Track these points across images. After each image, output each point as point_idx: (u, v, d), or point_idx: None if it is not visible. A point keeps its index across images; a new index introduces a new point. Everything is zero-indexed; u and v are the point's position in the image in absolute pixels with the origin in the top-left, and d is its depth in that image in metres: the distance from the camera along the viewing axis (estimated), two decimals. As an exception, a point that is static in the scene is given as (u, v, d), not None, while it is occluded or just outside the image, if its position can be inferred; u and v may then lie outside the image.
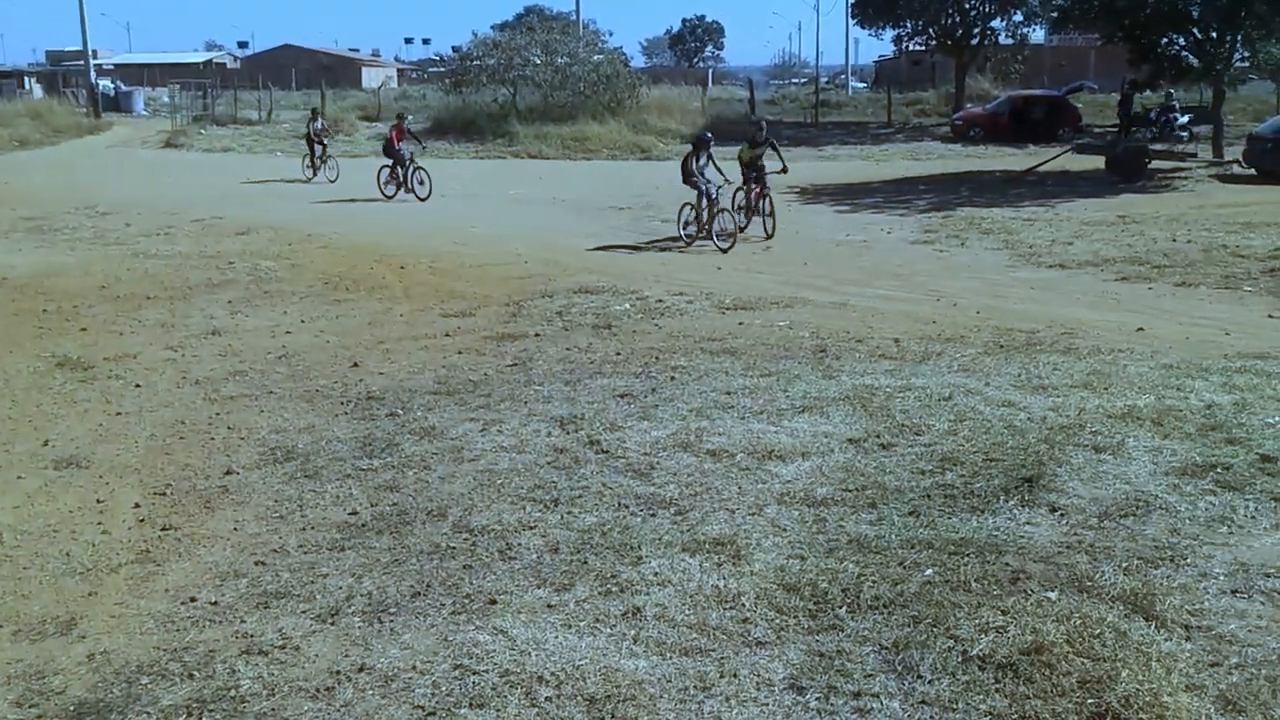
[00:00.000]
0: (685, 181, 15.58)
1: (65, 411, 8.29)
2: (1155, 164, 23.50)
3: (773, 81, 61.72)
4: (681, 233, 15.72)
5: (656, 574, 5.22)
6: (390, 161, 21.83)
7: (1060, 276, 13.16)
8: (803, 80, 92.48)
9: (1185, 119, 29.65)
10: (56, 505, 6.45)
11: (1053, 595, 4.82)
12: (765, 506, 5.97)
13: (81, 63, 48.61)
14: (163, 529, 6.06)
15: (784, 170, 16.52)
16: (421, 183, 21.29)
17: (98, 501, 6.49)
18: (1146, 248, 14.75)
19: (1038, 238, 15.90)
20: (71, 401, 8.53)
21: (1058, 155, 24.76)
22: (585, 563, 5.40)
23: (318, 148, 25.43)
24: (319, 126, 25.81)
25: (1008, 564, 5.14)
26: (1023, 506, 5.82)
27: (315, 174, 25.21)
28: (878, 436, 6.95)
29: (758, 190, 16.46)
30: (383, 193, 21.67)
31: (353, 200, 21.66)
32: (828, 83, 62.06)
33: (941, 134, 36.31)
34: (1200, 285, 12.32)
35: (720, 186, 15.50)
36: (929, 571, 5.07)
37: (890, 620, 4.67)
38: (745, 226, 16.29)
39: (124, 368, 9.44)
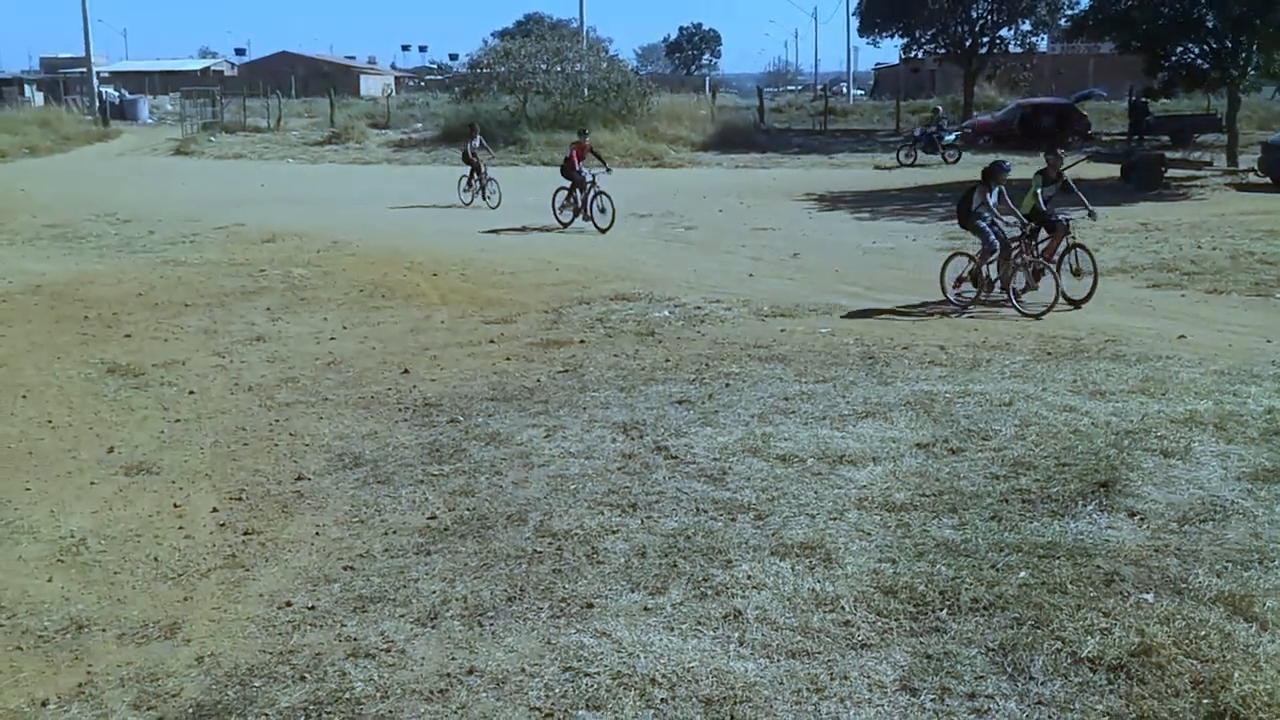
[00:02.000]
0: (964, 225, 12.08)
1: (124, 419, 8.33)
2: (1171, 172, 23.61)
3: (768, 89, 61.95)
4: (950, 294, 11.69)
5: (750, 577, 5.27)
6: (568, 184, 18.42)
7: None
8: (798, 88, 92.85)
9: (952, 136, 30.14)
10: (134, 510, 6.50)
11: (1149, 597, 4.88)
12: (845, 511, 6.03)
13: (79, 70, 48.72)
14: (245, 534, 6.12)
15: (1091, 216, 12.37)
16: (603, 210, 17.79)
17: (174, 506, 6.55)
18: (1173, 255, 14.84)
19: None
20: (129, 408, 8.57)
21: (1074, 164, 24.82)
22: (675, 566, 5.45)
23: (476, 168, 21.56)
24: (478, 144, 21.91)
25: (1099, 566, 5.20)
26: (1101, 511, 5.89)
27: (474, 198, 21.50)
28: (946, 442, 7.02)
29: (1051, 241, 12.02)
30: (558, 219, 18.51)
31: (523, 229, 18.51)
32: (822, 90, 62.18)
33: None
34: (1232, 293, 12.40)
35: (1013, 231, 11.66)
36: (1023, 574, 5.14)
37: (992, 622, 4.73)
38: (1028, 288, 11.80)
39: (175, 374, 9.49)
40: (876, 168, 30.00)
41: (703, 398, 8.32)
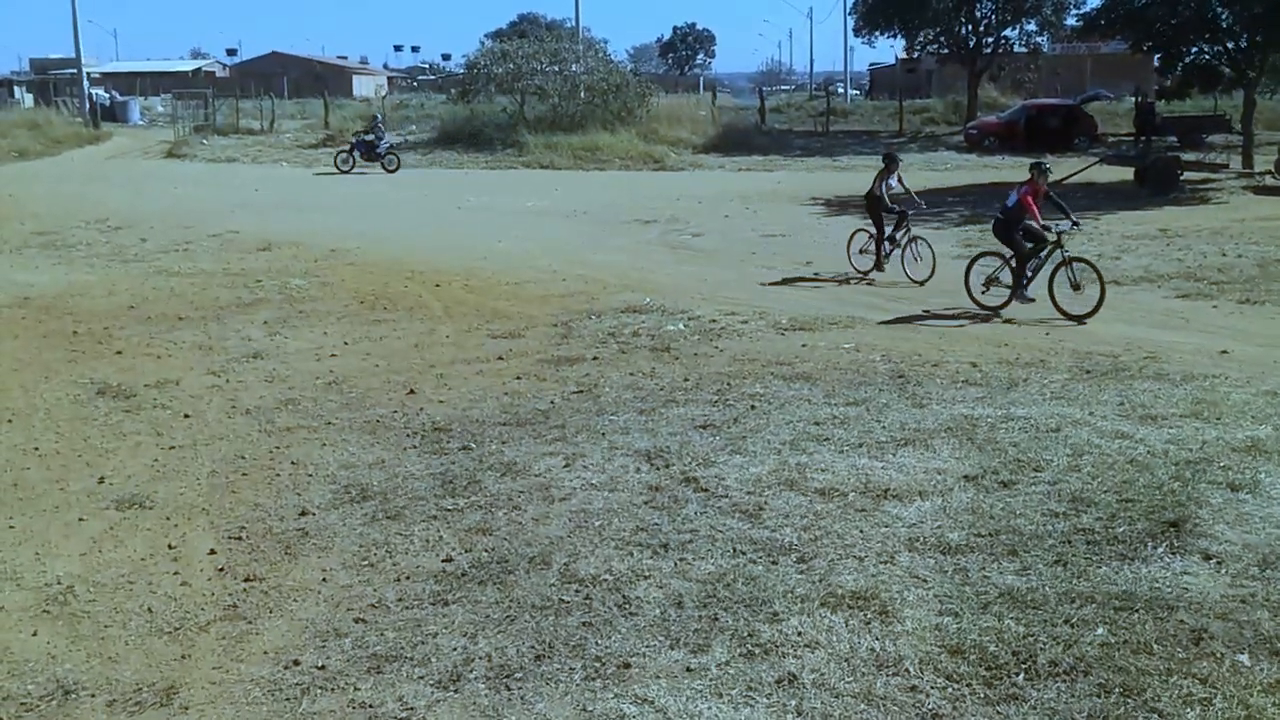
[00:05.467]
0: None
1: (115, 445, 7.86)
2: (1186, 175, 23.19)
3: (762, 88, 61.74)
4: None
5: (800, 634, 4.82)
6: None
7: (1117, 293, 12.72)
8: (791, 88, 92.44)
9: (386, 144, 30.07)
10: (126, 552, 6.03)
11: (1244, 659, 4.44)
12: (896, 554, 5.58)
13: (70, 71, 48.08)
14: (246, 580, 5.65)
15: None
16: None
17: (169, 547, 6.08)
18: (1198, 263, 14.42)
19: (1082, 252, 15.48)
20: (120, 434, 8.10)
21: (1087, 167, 24.43)
22: (716, 619, 5.00)
23: (889, 222, 13.91)
24: (895, 181, 13.89)
25: (1183, 621, 4.75)
26: (1174, 553, 5.45)
27: (873, 265, 13.98)
28: (995, 474, 6.56)
29: None
30: (974, 299, 11.96)
31: (956, 318, 11.53)
32: (820, 89, 61.82)
33: (955, 143, 35.98)
34: (1265, 303, 11.97)
35: None
36: (1100, 631, 4.69)
37: (1075, 689, 4.28)
38: None
39: (168, 395, 9.02)
40: (317, 175, 30.08)
41: (728, 421, 7.86)
